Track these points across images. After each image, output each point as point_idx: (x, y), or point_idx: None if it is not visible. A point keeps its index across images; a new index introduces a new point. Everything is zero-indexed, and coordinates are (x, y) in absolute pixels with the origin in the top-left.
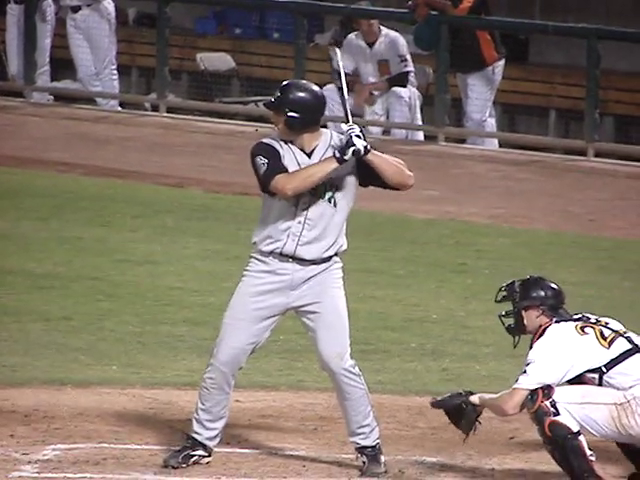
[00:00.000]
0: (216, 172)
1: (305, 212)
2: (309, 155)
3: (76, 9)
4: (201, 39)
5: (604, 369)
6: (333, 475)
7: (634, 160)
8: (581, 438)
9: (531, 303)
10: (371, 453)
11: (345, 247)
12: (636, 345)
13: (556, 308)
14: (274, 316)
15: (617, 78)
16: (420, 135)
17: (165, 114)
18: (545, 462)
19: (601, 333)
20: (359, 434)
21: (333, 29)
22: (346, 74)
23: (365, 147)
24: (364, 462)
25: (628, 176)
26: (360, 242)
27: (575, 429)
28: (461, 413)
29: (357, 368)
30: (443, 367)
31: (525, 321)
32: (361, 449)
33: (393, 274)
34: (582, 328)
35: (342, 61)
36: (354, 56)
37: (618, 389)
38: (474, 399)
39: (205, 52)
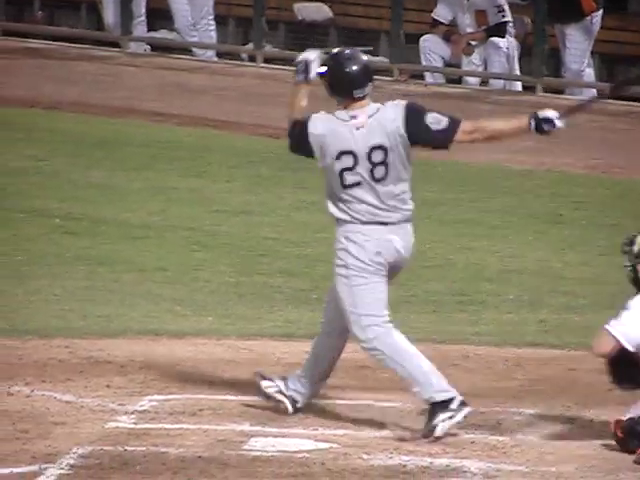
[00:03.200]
0: None
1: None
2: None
3: None
4: None
5: None
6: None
7: None
8: None
9: None
10: (431, 410)
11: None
12: None
13: None
14: None
15: None
16: (518, 85)
17: (262, 64)
18: None
19: None
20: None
21: None
22: (443, 24)
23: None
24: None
25: None
26: (456, 193)
27: None
28: None
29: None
30: (540, 318)
31: None
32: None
33: (489, 225)
34: None
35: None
36: (452, 6)
37: None
38: None
39: (302, 2)
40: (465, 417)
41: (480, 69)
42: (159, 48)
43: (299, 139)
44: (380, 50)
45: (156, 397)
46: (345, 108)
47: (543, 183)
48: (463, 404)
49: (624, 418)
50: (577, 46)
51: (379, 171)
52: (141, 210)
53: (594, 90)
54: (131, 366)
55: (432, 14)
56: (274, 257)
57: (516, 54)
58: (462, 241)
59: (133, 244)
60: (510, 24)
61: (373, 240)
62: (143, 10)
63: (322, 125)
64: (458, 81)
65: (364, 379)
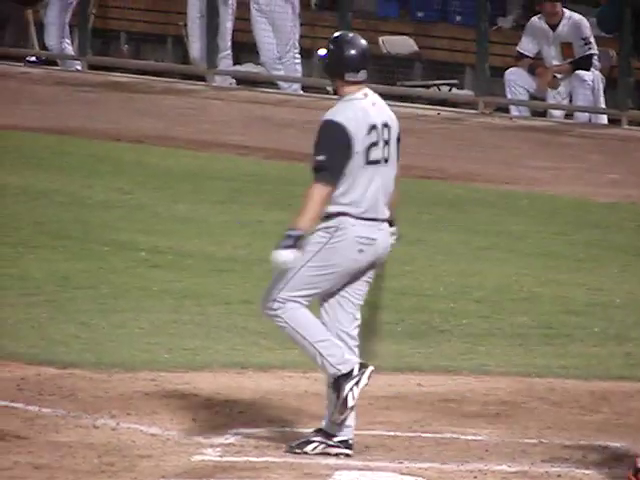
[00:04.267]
0: None
1: None
2: None
3: None
4: (383, 22)
5: None
6: (516, 460)
7: None
8: None
9: None
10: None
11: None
12: None
13: None
14: None
15: None
16: (603, 119)
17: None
18: None
19: None
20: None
21: (515, 12)
22: (528, 56)
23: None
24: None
25: None
26: (541, 226)
27: None
28: None
29: (279, 309)
30: (627, 351)
31: None
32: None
33: (575, 258)
34: None
35: None
36: (538, 39)
37: None
38: None
39: (387, 35)
40: (369, 377)
41: (565, 102)
42: (245, 82)
43: (342, 159)
44: (465, 83)
45: (242, 430)
46: (348, 91)
47: (629, 216)
48: (363, 366)
49: None
50: None
51: (386, 150)
52: (227, 243)
53: None
54: (217, 399)
55: (517, 47)
56: None
57: (601, 87)
58: (548, 274)
59: (219, 277)
60: (596, 57)
61: (359, 238)
62: (229, 44)
63: (350, 112)
64: (543, 114)
65: (450, 412)
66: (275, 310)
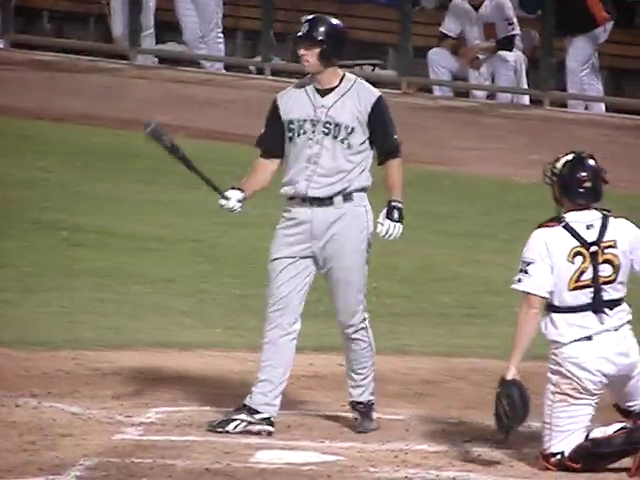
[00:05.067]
0: None
1: (317, 153)
2: (323, 94)
3: None
4: (306, 1)
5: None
6: (437, 440)
7: None
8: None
9: None
10: (363, 409)
11: (362, 185)
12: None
13: None
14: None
15: None
16: (526, 99)
17: (270, 77)
18: None
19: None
20: (356, 387)
21: None
22: (451, 37)
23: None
24: (356, 418)
25: None
26: (463, 206)
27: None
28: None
29: (366, 322)
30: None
31: None
32: (354, 404)
33: (497, 238)
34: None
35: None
36: (460, 19)
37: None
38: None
39: (310, 15)
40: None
41: (487, 82)
42: (167, 60)
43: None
44: (388, 63)
45: (163, 409)
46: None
47: (549, 196)
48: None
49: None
50: (580, 52)
51: None
52: (149, 222)
53: (602, 105)
54: (139, 378)
55: (440, 28)
56: None
57: (524, 67)
58: (470, 254)
59: (142, 256)
60: (518, 37)
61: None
62: (152, 22)
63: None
64: (466, 94)
65: None
66: (365, 322)
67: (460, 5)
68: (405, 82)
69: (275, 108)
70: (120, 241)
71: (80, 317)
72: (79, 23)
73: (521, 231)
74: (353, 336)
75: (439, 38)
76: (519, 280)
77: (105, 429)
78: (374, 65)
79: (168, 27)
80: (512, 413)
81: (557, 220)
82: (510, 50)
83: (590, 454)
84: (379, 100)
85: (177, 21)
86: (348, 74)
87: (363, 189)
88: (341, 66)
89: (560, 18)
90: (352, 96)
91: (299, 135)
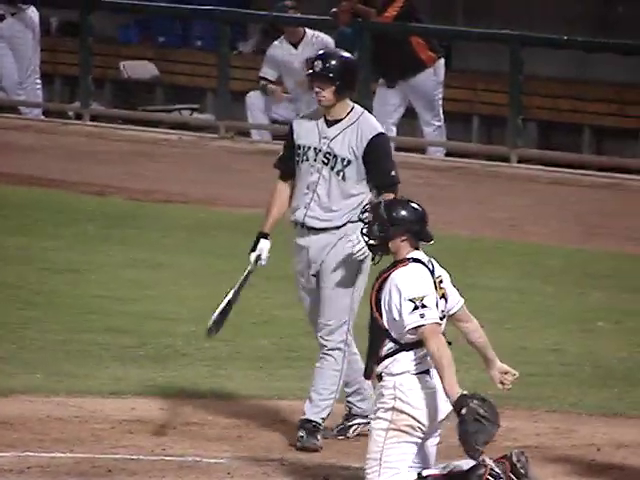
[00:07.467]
0: (139, 180)
1: (316, 181)
2: (329, 125)
3: (0, 18)
4: (124, 47)
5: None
6: None
7: (557, 165)
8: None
9: None
10: (310, 428)
11: (358, 217)
12: None
13: None
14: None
15: (540, 84)
16: None
17: (89, 122)
18: None
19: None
20: (312, 406)
21: (256, 36)
22: (270, 81)
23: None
24: (302, 435)
25: (550, 182)
26: (279, 250)
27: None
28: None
29: (344, 347)
30: None
31: None
32: (304, 422)
33: None
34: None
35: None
36: (278, 66)
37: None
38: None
39: (128, 60)
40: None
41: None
42: None
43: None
44: (207, 107)
45: None
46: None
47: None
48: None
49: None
50: (425, 96)
51: None
52: None
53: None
54: None
55: (259, 73)
56: (102, 314)
57: None
58: (286, 297)
59: None
60: None
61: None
62: None
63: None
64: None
65: (192, 435)
66: (342, 344)
67: (278, 48)
68: (223, 126)
69: (291, 131)
70: None
71: None
72: None
73: None
74: (327, 352)
75: (257, 81)
76: (422, 316)
77: None
78: (192, 109)
79: None
80: (490, 413)
81: (408, 260)
82: None
83: None
84: (378, 136)
85: None
86: (357, 107)
87: (359, 220)
88: (159, 111)
89: (390, 66)
90: (353, 130)
91: (303, 161)
